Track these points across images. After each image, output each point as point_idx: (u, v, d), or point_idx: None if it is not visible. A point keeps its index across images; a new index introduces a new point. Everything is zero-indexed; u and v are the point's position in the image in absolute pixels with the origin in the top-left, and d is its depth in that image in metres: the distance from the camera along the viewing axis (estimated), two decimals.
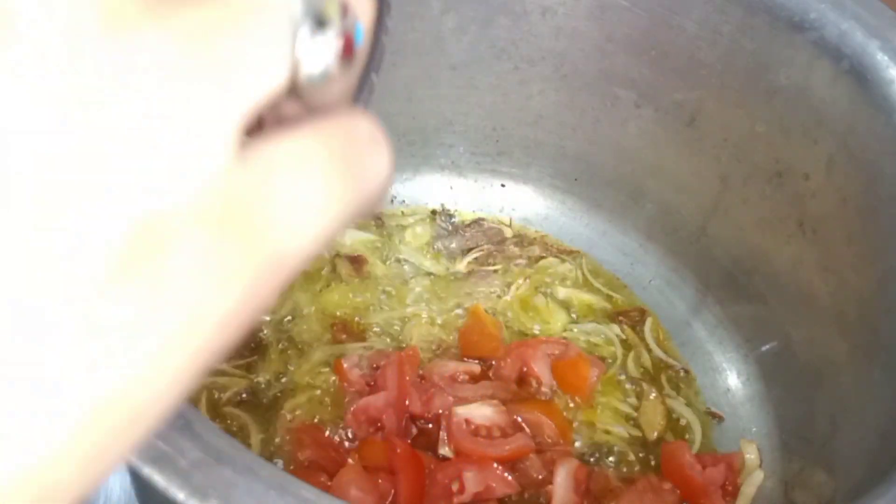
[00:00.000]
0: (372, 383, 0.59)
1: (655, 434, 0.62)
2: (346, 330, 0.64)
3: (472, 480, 0.55)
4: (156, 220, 0.16)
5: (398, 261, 0.69)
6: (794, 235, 0.60)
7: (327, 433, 0.58)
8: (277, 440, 0.58)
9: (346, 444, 0.58)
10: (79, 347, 0.16)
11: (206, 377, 0.60)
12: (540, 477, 0.57)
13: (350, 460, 0.55)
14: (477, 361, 0.63)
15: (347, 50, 0.20)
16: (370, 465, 0.55)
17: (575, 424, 0.62)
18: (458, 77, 0.66)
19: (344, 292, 0.66)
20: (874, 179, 0.53)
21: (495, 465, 0.56)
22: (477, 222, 0.72)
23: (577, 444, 0.61)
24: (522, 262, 0.70)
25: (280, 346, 0.62)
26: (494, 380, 0.62)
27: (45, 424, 0.16)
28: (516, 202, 0.73)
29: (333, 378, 0.61)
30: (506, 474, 0.56)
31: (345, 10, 0.20)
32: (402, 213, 0.72)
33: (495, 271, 0.69)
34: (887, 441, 0.48)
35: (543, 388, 0.62)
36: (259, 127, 0.21)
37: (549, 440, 0.59)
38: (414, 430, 0.58)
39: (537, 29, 0.64)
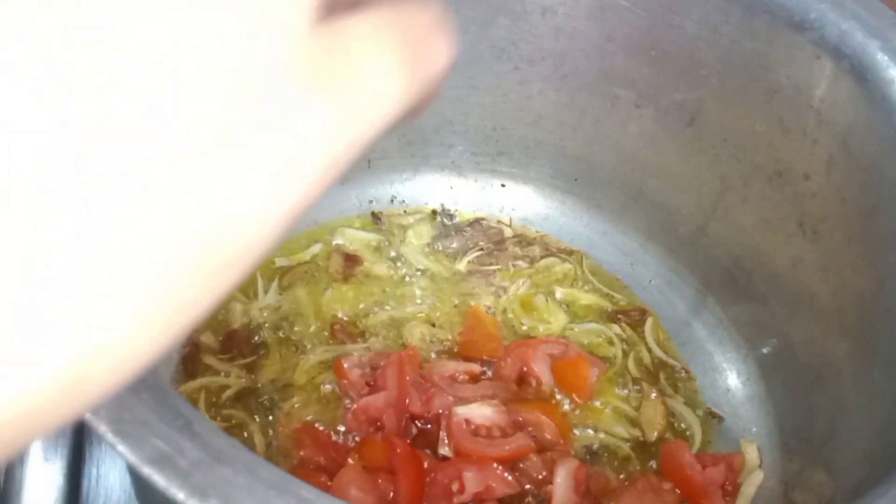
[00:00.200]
0: (372, 383, 0.59)
1: (655, 434, 0.62)
2: (346, 330, 0.64)
3: (472, 480, 0.55)
4: (250, 81, 0.18)
5: (398, 261, 0.69)
6: (794, 235, 0.60)
7: (327, 433, 0.58)
8: (277, 440, 0.58)
9: (347, 444, 0.58)
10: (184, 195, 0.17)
11: (205, 377, 0.60)
12: (540, 477, 0.57)
13: (350, 460, 0.55)
14: (477, 361, 0.63)
15: None
16: (370, 465, 0.55)
17: (575, 424, 0.62)
18: (458, 77, 0.66)
19: (344, 292, 0.66)
20: (874, 179, 0.53)
21: (495, 465, 0.56)
22: (477, 222, 0.72)
23: (577, 444, 0.61)
24: (522, 262, 0.70)
25: (280, 346, 0.62)
26: (494, 380, 0.62)
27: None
28: (516, 202, 0.73)
29: (333, 378, 0.61)
30: (506, 474, 0.56)
31: None
32: (403, 212, 0.72)
33: (495, 271, 0.69)
34: (887, 441, 0.48)
35: (543, 388, 0.62)
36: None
37: (549, 440, 0.59)
38: (414, 430, 0.58)
39: (537, 29, 0.64)
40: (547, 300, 0.68)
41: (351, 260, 0.67)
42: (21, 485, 0.57)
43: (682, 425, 0.64)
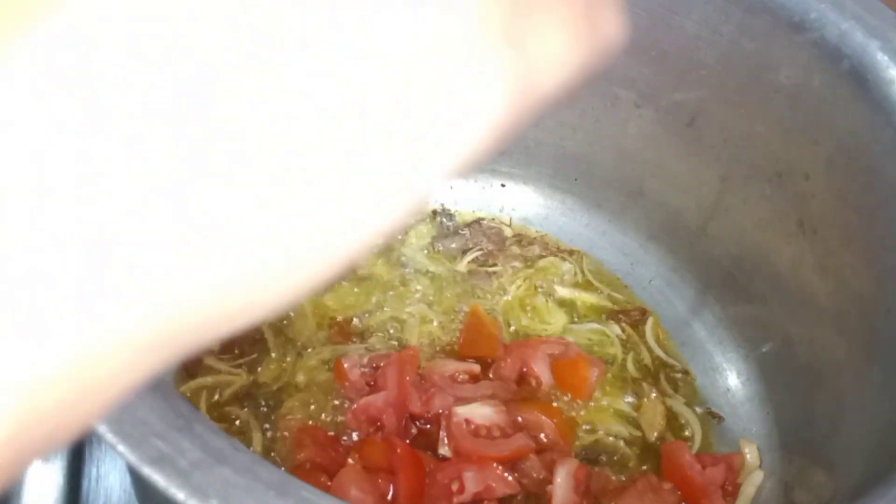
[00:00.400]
0: (372, 383, 0.59)
1: (655, 434, 0.62)
2: (346, 330, 0.64)
3: (472, 480, 0.55)
4: (444, 33, 0.18)
5: (398, 261, 0.69)
6: (794, 235, 0.60)
7: (327, 432, 0.58)
8: (277, 440, 0.58)
9: (347, 444, 0.58)
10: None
11: (205, 377, 0.60)
12: (540, 477, 0.57)
13: (350, 460, 0.55)
14: (477, 361, 0.63)
15: None
16: (370, 465, 0.55)
17: (575, 424, 0.62)
18: None
19: (344, 292, 0.66)
20: (874, 179, 0.53)
21: (495, 465, 0.56)
22: (477, 222, 0.72)
23: (577, 444, 0.61)
24: (522, 262, 0.70)
25: (280, 346, 0.62)
26: (494, 380, 0.62)
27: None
28: (516, 202, 0.73)
29: (333, 378, 0.61)
30: (506, 474, 0.56)
31: None
32: None
33: (495, 271, 0.69)
34: (887, 441, 0.48)
35: (543, 388, 0.62)
36: None
37: (549, 440, 0.59)
38: (414, 430, 0.58)
39: None
40: (547, 300, 0.68)
41: None
42: (21, 485, 0.57)
43: (682, 425, 0.64)
